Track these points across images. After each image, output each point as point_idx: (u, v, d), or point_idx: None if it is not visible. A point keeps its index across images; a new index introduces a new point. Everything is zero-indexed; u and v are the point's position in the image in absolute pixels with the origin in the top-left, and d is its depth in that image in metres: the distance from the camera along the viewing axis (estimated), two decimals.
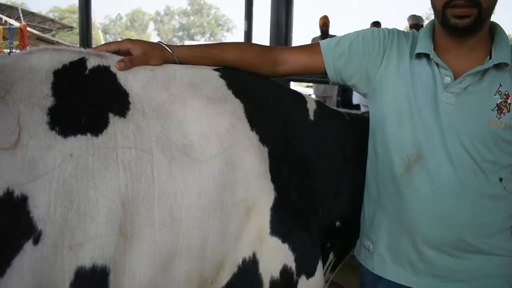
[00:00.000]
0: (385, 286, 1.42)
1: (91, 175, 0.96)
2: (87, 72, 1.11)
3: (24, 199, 0.88)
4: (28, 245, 0.87)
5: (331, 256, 1.59)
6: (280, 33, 3.78)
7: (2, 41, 9.98)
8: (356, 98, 5.33)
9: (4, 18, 10.32)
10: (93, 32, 8.33)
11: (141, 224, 1.01)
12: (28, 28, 10.19)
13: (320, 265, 1.40)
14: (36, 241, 0.87)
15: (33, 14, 16.32)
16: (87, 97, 1.06)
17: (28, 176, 0.89)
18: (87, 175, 0.96)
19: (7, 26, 9.88)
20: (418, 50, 1.35)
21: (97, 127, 1.02)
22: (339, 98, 6.24)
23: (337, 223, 1.53)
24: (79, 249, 0.92)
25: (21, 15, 13.01)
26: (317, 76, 4.63)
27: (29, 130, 0.93)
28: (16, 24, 10.06)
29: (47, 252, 0.88)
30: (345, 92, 5.96)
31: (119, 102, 1.09)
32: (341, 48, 1.44)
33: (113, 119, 1.05)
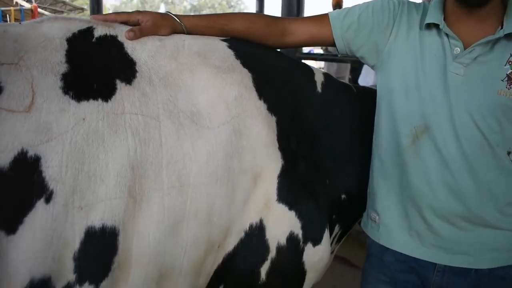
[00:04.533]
0: (391, 257, 1.44)
1: (101, 139, 0.99)
2: (94, 40, 1.13)
3: (37, 159, 0.91)
4: (40, 204, 0.90)
5: (336, 228, 1.60)
6: (292, 13, 3.76)
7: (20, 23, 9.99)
8: (362, 80, 5.29)
9: None
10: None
11: (150, 187, 1.04)
12: (39, 10, 10.21)
13: (326, 234, 1.41)
14: (47, 200, 0.91)
15: None
16: (96, 64, 1.09)
17: (42, 137, 0.92)
18: (97, 139, 0.98)
19: (18, 8, 9.91)
20: (427, 21, 1.33)
21: (106, 93, 1.04)
22: (350, 77, 6.19)
23: (343, 196, 1.55)
24: (89, 209, 0.95)
25: None
26: (328, 54, 4.61)
27: (43, 94, 0.96)
28: (27, 5, 10.10)
29: (58, 211, 0.91)
30: (355, 70, 5.92)
31: (126, 70, 1.11)
32: (350, 19, 1.43)
33: (120, 86, 1.07)
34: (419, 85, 1.32)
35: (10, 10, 9.83)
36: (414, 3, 1.44)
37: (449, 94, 1.29)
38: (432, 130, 1.31)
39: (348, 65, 6.04)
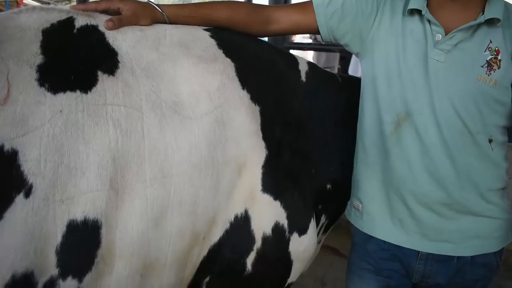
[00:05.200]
0: (374, 245, 1.45)
1: (81, 131, 0.98)
2: (75, 31, 1.11)
3: (14, 153, 0.89)
4: (20, 198, 0.89)
5: (323, 219, 1.60)
6: (279, 1, 3.73)
7: None
8: (351, 70, 5.29)
9: None
10: None
11: (132, 179, 1.03)
12: (24, 0, 10.06)
13: (312, 223, 1.42)
14: (27, 194, 0.90)
15: None
16: (75, 56, 1.07)
17: (18, 131, 0.91)
18: (77, 130, 0.97)
19: None
20: (410, 6, 1.33)
21: (86, 84, 1.03)
22: (339, 66, 6.20)
23: (328, 186, 1.55)
24: (70, 202, 0.94)
25: None
26: (317, 44, 4.59)
27: (19, 86, 0.95)
28: None
29: (38, 205, 0.90)
30: (344, 60, 5.92)
31: (108, 60, 1.10)
32: (334, 6, 1.42)
33: (102, 77, 1.06)
34: (401, 71, 1.33)
35: None
36: None
37: (429, 81, 1.29)
38: (413, 117, 1.31)
39: (337, 55, 6.03)
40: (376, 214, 1.43)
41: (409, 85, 1.31)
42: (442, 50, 1.28)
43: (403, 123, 1.33)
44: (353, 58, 5.01)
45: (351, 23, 1.41)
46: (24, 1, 9.83)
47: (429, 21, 1.30)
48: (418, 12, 1.32)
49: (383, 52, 1.37)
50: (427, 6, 1.31)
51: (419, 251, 1.37)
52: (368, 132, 1.42)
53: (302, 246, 1.38)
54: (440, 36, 1.28)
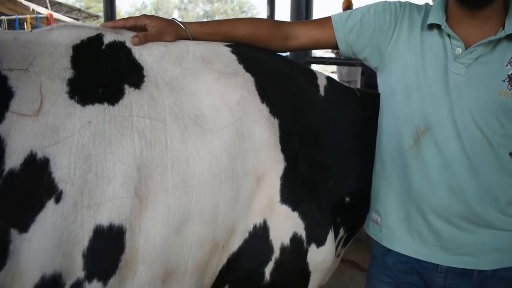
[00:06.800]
0: (394, 259, 1.45)
1: (108, 141, 1.03)
2: (103, 47, 1.18)
3: (46, 161, 0.95)
4: (50, 204, 0.94)
5: (341, 232, 1.62)
6: (300, 17, 3.78)
7: (31, 30, 10.20)
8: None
9: (32, 6, 10.57)
10: None
11: (155, 188, 1.08)
12: (56, 16, 10.41)
13: (331, 235, 1.43)
14: (57, 200, 0.95)
15: (60, 4, 16.57)
16: (104, 70, 1.13)
17: (49, 140, 0.97)
18: (104, 141, 1.03)
19: (34, 15, 10.14)
20: (430, 21, 1.35)
21: (113, 97, 1.09)
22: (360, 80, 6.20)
23: (347, 199, 1.56)
24: (97, 209, 0.99)
25: (48, 5, 13.27)
26: (338, 58, 4.62)
27: (51, 99, 1.01)
28: (43, 12, 10.33)
29: (67, 210, 0.96)
30: (363, 74, 5.93)
31: (134, 74, 1.16)
32: (352, 21, 1.45)
33: (129, 90, 1.11)
34: (420, 85, 1.34)
35: (26, 18, 10.05)
36: (416, 5, 1.46)
37: (450, 94, 1.30)
38: (433, 130, 1.32)
39: (359, 69, 6.04)
40: (394, 227, 1.44)
41: (428, 98, 1.33)
42: (463, 63, 1.29)
43: (423, 136, 1.34)
44: None
45: (369, 37, 1.44)
46: (55, 17, 10.17)
47: (448, 35, 1.32)
48: (437, 26, 1.34)
49: (401, 66, 1.39)
50: (446, 21, 1.33)
51: (439, 265, 1.37)
52: (386, 145, 1.44)
53: (320, 257, 1.39)
54: (460, 50, 1.30)
